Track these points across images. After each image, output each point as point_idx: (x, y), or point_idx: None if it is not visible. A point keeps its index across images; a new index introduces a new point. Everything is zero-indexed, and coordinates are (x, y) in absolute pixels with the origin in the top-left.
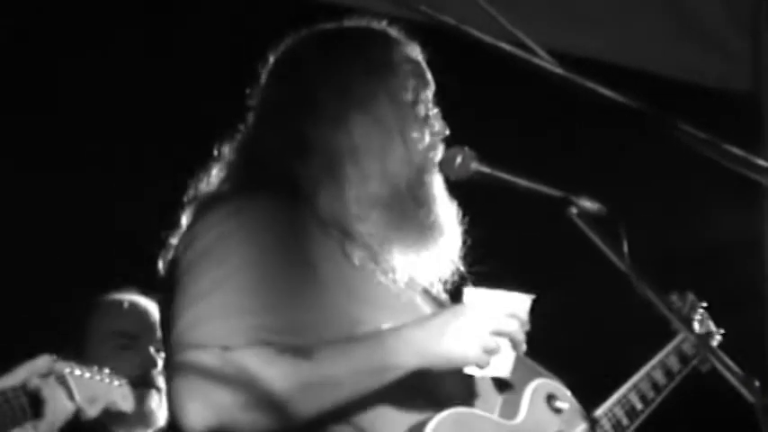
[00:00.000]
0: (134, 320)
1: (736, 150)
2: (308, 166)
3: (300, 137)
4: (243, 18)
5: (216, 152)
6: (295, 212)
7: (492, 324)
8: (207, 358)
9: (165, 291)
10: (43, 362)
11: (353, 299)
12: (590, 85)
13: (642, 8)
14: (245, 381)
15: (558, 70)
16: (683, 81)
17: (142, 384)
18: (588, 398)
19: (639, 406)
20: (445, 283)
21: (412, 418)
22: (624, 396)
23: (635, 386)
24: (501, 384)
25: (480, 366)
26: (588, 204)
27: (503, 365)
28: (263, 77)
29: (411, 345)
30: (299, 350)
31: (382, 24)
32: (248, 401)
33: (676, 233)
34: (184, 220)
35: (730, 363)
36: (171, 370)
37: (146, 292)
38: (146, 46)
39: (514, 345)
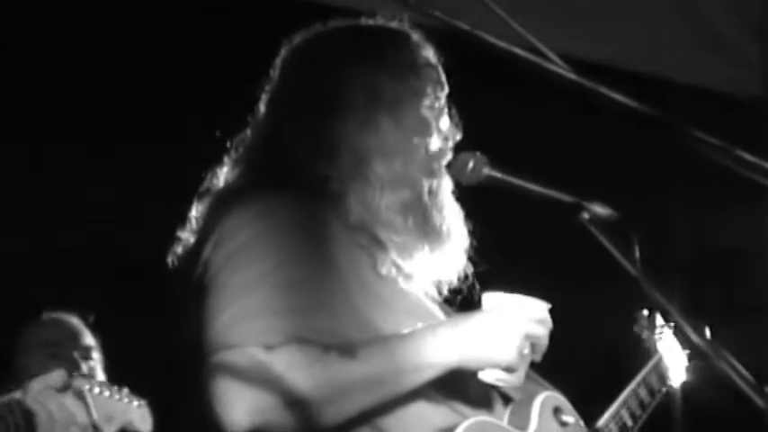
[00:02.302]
0: (57, 331)
1: (747, 156)
2: (337, 167)
3: (329, 136)
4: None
5: (228, 146)
6: (321, 214)
7: (526, 328)
8: (250, 357)
9: (185, 286)
10: (58, 376)
11: (378, 304)
12: (602, 90)
13: (653, 13)
14: (290, 380)
15: (571, 75)
16: (693, 85)
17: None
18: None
19: (630, 423)
20: (452, 289)
21: (433, 422)
22: (617, 412)
23: (625, 403)
24: (503, 395)
25: (513, 369)
26: (600, 210)
27: (518, 375)
28: (282, 71)
29: (449, 343)
30: (343, 349)
31: (404, 25)
32: (294, 400)
33: (686, 239)
34: (196, 213)
35: (742, 369)
36: (212, 369)
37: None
38: (142, 38)
39: (537, 352)
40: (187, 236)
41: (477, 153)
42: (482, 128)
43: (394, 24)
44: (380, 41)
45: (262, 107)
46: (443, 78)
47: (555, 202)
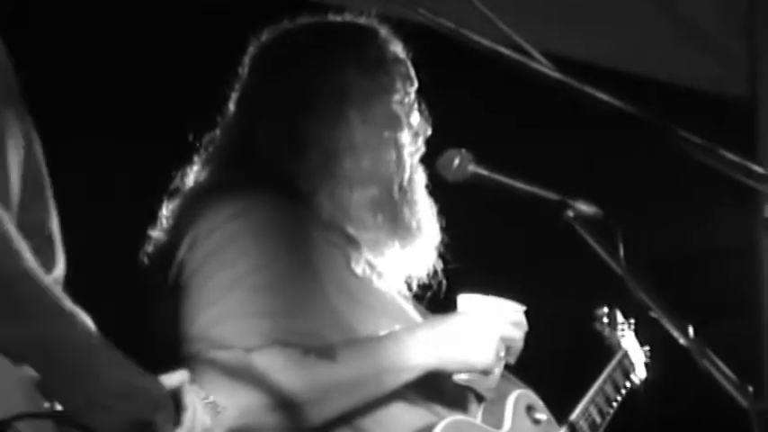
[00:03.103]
0: None
1: (732, 156)
2: (306, 164)
3: (297, 134)
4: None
5: (196, 144)
6: (296, 213)
7: (502, 331)
8: (230, 358)
9: (159, 285)
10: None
11: (354, 304)
12: (587, 89)
13: (638, 12)
14: (271, 382)
15: (556, 74)
16: (678, 85)
17: None
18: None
19: (598, 419)
20: (423, 286)
21: (411, 422)
22: (586, 409)
23: (593, 400)
24: (476, 394)
25: (489, 372)
26: (585, 208)
27: (494, 378)
28: (250, 69)
29: (428, 345)
30: (323, 351)
31: (371, 21)
32: (275, 402)
33: (671, 238)
34: (167, 212)
35: (724, 368)
36: (191, 370)
37: None
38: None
39: (512, 354)
40: (158, 234)
41: (463, 150)
42: (467, 125)
43: (361, 20)
44: (348, 38)
45: (231, 106)
46: (412, 73)
47: (540, 199)
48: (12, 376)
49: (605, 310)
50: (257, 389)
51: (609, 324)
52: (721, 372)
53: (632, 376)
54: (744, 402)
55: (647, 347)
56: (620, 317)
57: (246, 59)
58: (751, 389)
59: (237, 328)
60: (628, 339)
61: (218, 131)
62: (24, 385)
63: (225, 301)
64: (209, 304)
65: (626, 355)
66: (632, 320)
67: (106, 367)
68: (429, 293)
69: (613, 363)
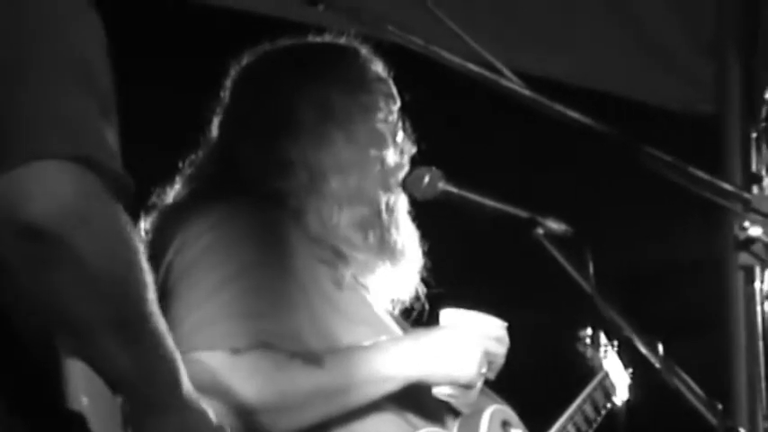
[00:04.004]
0: None
1: (700, 173)
2: (292, 183)
3: (282, 155)
4: (200, 32)
5: (180, 164)
6: (280, 222)
7: (485, 346)
8: (218, 360)
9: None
10: None
11: (337, 314)
12: (557, 106)
13: (605, 30)
14: (254, 385)
15: (525, 91)
16: (646, 103)
17: None
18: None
19: None
20: (405, 304)
21: None
22: (563, 427)
23: (571, 418)
24: (452, 408)
25: (471, 386)
26: (554, 225)
27: (474, 392)
28: (232, 92)
29: (411, 357)
30: (309, 357)
31: (352, 41)
32: (256, 406)
33: (639, 255)
34: (147, 225)
35: (694, 386)
36: None
37: None
38: None
39: (493, 369)
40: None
41: (433, 168)
42: (437, 143)
43: (342, 41)
44: (328, 58)
45: (213, 129)
46: (395, 92)
47: (510, 216)
48: (113, 405)
49: (589, 331)
50: (237, 392)
51: (592, 345)
52: (690, 389)
53: (613, 397)
54: (713, 420)
55: (630, 369)
56: (603, 338)
57: (228, 83)
58: (720, 406)
59: (223, 329)
60: (610, 361)
61: (200, 153)
62: (118, 416)
63: (211, 303)
64: (196, 307)
65: (607, 375)
66: (615, 342)
67: (194, 406)
68: (412, 317)
69: (593, 383)
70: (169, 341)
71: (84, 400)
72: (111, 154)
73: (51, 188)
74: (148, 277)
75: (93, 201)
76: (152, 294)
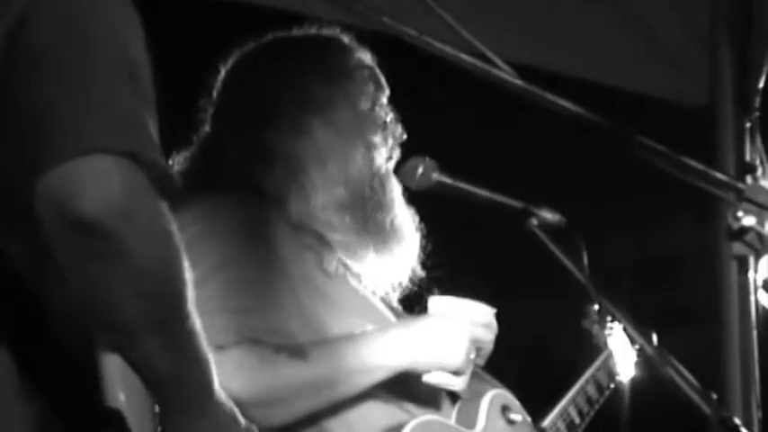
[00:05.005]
0: None
1: (693, 163)
2: (273, 173)
3: (263, 145)
4: (194, 28)
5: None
6: (264, 215)
7: (473, 332)
8: None
9: None
10: None
11: (325, 303)
12: (550, 97)
13: (599, 22)
14: (241, 381)
15: (519, 82)
16: (639, 94)
17: None
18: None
19: (577, 420)
20: (401, 288)
21: (380, 422)
22: (565, 409)
23: (573, 400)
24: (451, 393)
25: (460, 373)
26: (548, 216)
27: (464, 379)
28: (219, 88)
29: (399, 346)
30: (295, 351)
31: (334, 31)
32: (244, 402)
33: (631, 246)
34: None
35: (688, 375)
36: None
37: None
38: None
39: (482, 356)
40: None
41: (427, 158)
42: (431, 133)
43: (324, 31)
44: (309, 49)
45: (206, 126)
46: (381, 79)
47: (504, 207)
48: (147, 401)
49: (595, 307)
50: (224, 389)
51: (597, 322)
52: (685, 379)
53: (617, 377)
54: (707, 410)
55: (637, 346)
56: (609, 315)
57: (217, 79)
58: (714, 396)
59: (207, 325)
60: (615, 339)
61: (192, 150)
62: (151, 413)
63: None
64: None
65: (611, 354)
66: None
67: (225, 408)
68: (412, 299)
69: (597, 362)
70: (203, 341)
71: (122, 397)
72: (157, 150)
73: (103, 183)
74: (188, 275)
75: (141, 197)
76: (191, 293)
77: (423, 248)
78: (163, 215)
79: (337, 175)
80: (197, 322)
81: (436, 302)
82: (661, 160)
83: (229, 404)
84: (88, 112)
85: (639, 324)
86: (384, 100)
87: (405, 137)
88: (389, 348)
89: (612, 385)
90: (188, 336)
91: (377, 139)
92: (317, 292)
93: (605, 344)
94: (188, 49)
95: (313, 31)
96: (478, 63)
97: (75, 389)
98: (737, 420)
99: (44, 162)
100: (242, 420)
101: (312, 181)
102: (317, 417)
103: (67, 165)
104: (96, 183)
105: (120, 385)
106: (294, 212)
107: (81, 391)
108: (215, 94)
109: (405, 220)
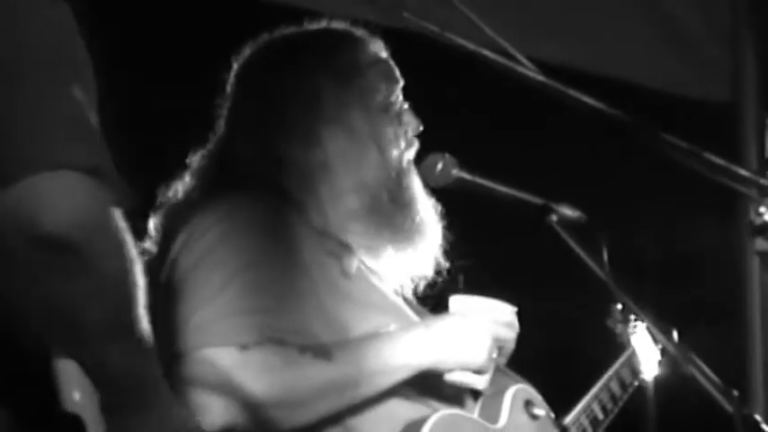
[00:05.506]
0: None
1: (716, 159)
2: (288, 180)
3: (275, 152)
4: (207, 23)
5: (188, 161)
6: (285, 215)
7: (495, 331)
8: (227, 356)
9: (152, 289)
10: None
11: (347, 303)
12: (572, 93)
13: (623, 18)
14: (265, 381)
15: (541, 78)
16: (663, 91)
17: None
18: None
19: (601, 416)
20: (426, 284)
21: (406, 416)
22: (588, 406)
23: (596, 397)
24: (473, 390)
25: (483, 372)
26: (569, 212)
27: (486, 378)
28: (231, 86)
29: (422, 345)
30: (319, 350)
31: (345, 25)
32: (268, 402)
33: (656, 242)
34: (153, 225)
35: (710, 373)
36: (186, 369)
37: None
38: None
39: (504, 354)
40: (150, 245)
41: (446, 154)
42: (450, 129)
43: (335, 26)
44: (318, 45)
45: (221, 124)
46: (395, 72)
47: (523, 203)
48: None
49: (619, 306)
50: (248, 389)
51: (621, 320)
52: (707, 376)
53: (641, 374)
54: (729, 407)
55: (660, 345)
56: (628, 317)
57: (229, 77)
58: (736, 393)
59: (231, 325)
60: (639, 337)
61: (208, 148)
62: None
63: (218, 299)
64: (203, 303)
65: (634, 352)
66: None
67: (173, 405)
68: (437, 292)
69: (620, 360)
70: (151, 340)
71: (77, 396)
72: (108, 156)
73: (69, 199)
74: (141, 280)
75: (104, 211)
76: (143, 296)
77: (446, 240)
78: (120, 226)
79: (348, 184)
80: (146, 322)
81: (457, 301)
82: (684, 156)
83: (178, 404)
84: (42, 124)
85: (661, 322)
86: (398, 92)
87: (421, 128)
88: (412, 348)
89: (636, 383)
90: (140, 337)
91: (391, 136)
92: (339, 293)
93: (629, 342)
94: (201, 43)
95: (324, 24)
96: (501, 59)
97: (32, 397)
98: (759, 418)
99: (5, 175)
100: (191, 419)
101: (329, 188)
102: (340, 415)
103: (28, 181)
104: (63, 199)
105: (76, 382)
106: (316, 221)
107: (37, 399)
108: (228, 90)
109: (427, 214)
